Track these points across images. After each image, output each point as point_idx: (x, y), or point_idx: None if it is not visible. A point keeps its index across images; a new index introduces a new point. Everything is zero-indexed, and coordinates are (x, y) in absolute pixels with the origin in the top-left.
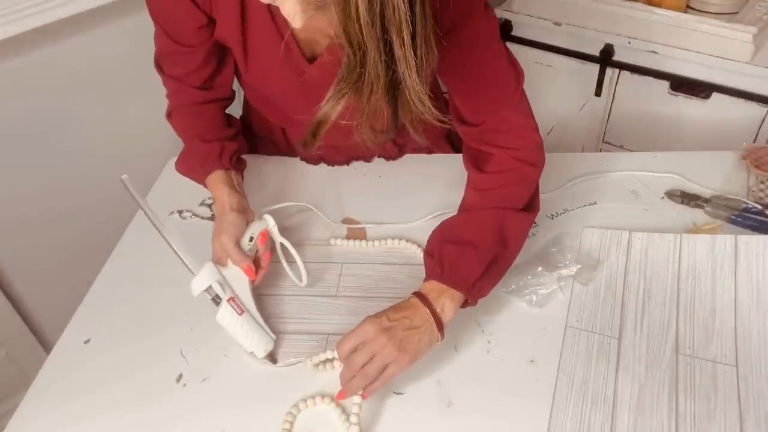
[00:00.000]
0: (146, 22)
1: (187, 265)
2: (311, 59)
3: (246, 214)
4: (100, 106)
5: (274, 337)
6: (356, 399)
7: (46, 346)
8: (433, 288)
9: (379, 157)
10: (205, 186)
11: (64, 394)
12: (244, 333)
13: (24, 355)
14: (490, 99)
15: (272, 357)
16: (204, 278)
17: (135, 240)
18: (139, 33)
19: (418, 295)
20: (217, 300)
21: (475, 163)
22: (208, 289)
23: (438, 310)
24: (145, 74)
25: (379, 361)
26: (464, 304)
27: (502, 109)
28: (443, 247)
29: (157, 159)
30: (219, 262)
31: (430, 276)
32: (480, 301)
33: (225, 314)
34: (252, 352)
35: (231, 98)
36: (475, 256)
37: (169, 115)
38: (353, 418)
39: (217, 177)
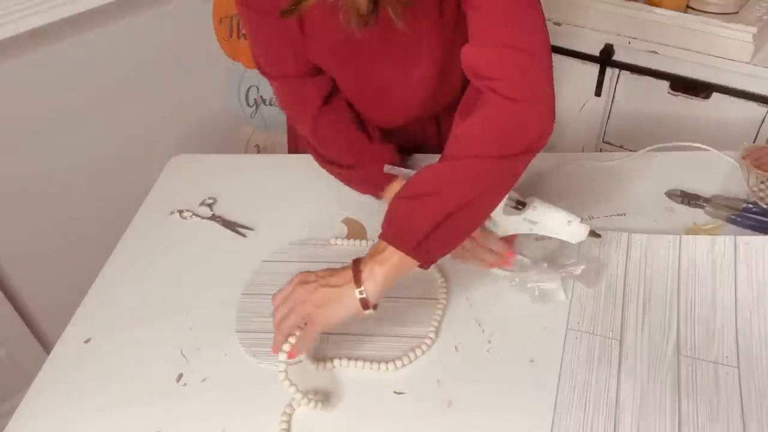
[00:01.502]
0: (147, 22)
1: None
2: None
3: None
4: (101, 106)
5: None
6: (281, 356)
7: (46, 346)
8: (372, 250)
9: (418, 151)
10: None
11: (64, 394)
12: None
13: (24, 355)
14: (495, 6)
15: (594, 233)
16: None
17: (135, 240)
18: (139, 33)
19: (354, 261)
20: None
21: (464, 105)
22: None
23: (364, 273)
24: (145, 74)
25: (296, 314)
26: (421, 266)
27: (505, 21)
28: (395, 200)
29: (157, 159)
30: None
31: (381, 234)
32: (480, 300)
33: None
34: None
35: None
36: (426, 208)
37: (315, 130)
38: (281, 376)
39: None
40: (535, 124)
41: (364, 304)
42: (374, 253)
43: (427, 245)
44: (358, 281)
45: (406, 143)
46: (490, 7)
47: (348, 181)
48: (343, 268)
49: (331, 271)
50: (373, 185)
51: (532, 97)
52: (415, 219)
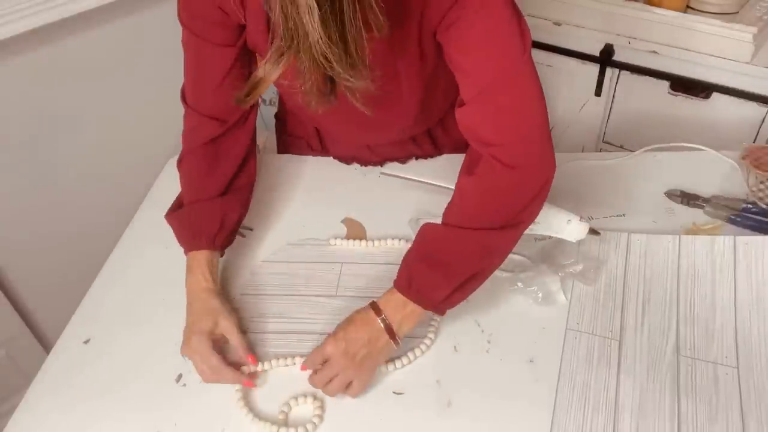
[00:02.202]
0: (147, 22)
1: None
2: None
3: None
4: (101, 106)
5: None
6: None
7: (46, 346)
8: (393, 302)
9: (417, 158)
10: (185, 253)
11: (64, 394)
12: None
13: (24, 355)
14: (486, 73)
15: (593, 231)
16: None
17: (135, 240)
18: (139, 33)
19: (374, 307)
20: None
21: (466, 163)
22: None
23: (395, 327)
24: (145, 74)
25: (341, 380)
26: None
27: (498, 89)
28: (414, 263)
29: (157, 159)
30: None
31: (397, 284)
32: (479, 300)
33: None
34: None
35: (245, 128)
36: (444, 278)
37: (180, 161)
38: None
39: (196, 256)
40: (533, 189)
41: (396, 344)
42: (399, 306)
43: (444, 304)
44: (393, 337)
45: (401, 155)
46: (481, 72)
47: (176, 231)
48: (369, 323)
49: (361, 332)
50: (196, 232)
51: (530, 163)
52: (433, 287)
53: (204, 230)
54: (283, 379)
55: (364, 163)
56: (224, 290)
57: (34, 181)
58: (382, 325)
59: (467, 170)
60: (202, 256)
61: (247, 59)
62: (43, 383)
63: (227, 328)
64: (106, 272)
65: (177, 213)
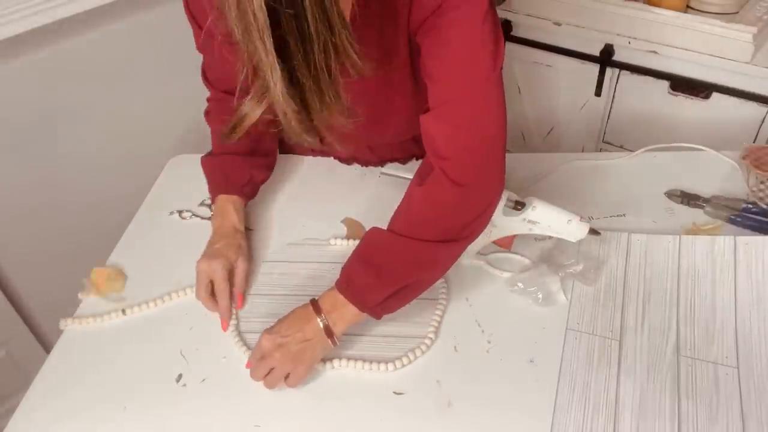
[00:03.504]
0: (148, 22)
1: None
2: None
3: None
4: (101, 106)
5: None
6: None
7: (46, 346)
8: (331, 300)
9: (417, 159)
10: (213, 196)
11: (64, 394)
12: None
13: (24, 355)
14: (451, 82)
15: (593, 231)
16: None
17: (135, 240)
18: (139, 33)
19: (314, 305)
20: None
21: (419, 172)
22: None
23: (330, 324)
24: (145, 74)
25: (278, 373)
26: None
27: (460, 99)
28: (353, 264)
29: (157, 159)
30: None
31: (337, 284)
32: (479, 300)
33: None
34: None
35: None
36: (379, 282)
37: (208, 113)
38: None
39: (229, 199)
40: (478, 208)
41: (334, 343)
42: (337, 305)
43: (381, 308)
44: (330, 336)
45: (401, 155)
46: (447, 83)
47: (204, 173)
48: (306, 319)
49: (296, 326)
50: (229, 178)
51: (477, 182)
52: (372, 287)
53: (236, 179)
54: None
55: (364, 163)
56: None
57: (34, 180)
58: (320, 323)
59: (418, 179)
60: (234, 200)
61: None
62: (43, 383)
63: (242, 267)
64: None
65: (211, 159)
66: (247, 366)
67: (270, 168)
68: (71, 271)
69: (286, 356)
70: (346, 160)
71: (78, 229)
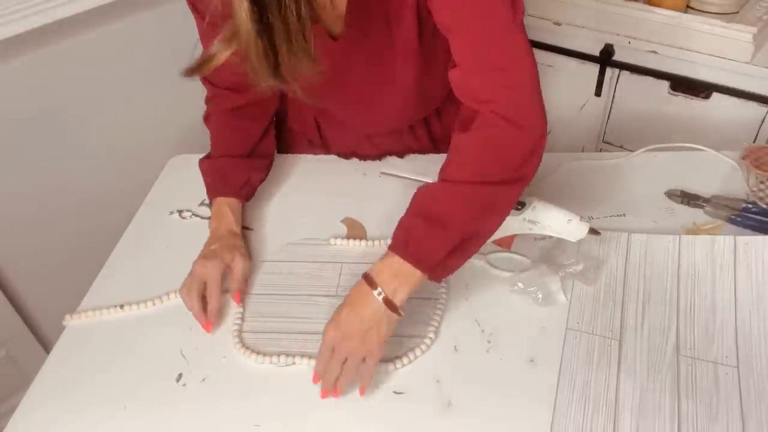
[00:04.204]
0: (148, 22)
1: None
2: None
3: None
4: (101, 106)
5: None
6: (357, 394)
7: (46, 346)
8: (386, 267)
9: (414, 153)
10: (210, 199)
11: (64, 394)
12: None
13: (24, 355)
14: (475, 31)
15: (593, 231)
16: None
17: (135, 240)
18: (139, 33)
19: (367, 278)
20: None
21: (460, 122)
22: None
23: (389, 296)
24: (145, 74)
25: (352, 363)
26: (430, 279)
27: (488, 45)
28: (411, 220)
29: (157, 159)
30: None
31: (393, 247)
32: (479, 300)
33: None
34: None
35: (271, 100)
36: (442, 236)
37: (206, 118)
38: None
39: (226, 201)
40: (531, 142)
41: (398, 314)
42: (394, 271)
43: (442, 267)
44: (391, 306)
45: (399, 148)
46: (470, 32)
47: (203, 175)
48: (364, 299)
49: (354, 309)
50: (228, 180)
51: (525, 117)
52: (431, 245)
53: (234, 181)
54: (284, 379)
55: (363, 157)
56: (223, 288)
57: (34, 181)
58: (379, 299)
59: (462, 128)
60: (231, 202)
61: None
62: (43, 383)
63: (240, 266)
64: (106, 272)
65: (210, 162)
66: (315, 379)
67: (268, 169)
68: (71, 271)
69: (354, 342)
70: (346, 155)
71: (78, 229)
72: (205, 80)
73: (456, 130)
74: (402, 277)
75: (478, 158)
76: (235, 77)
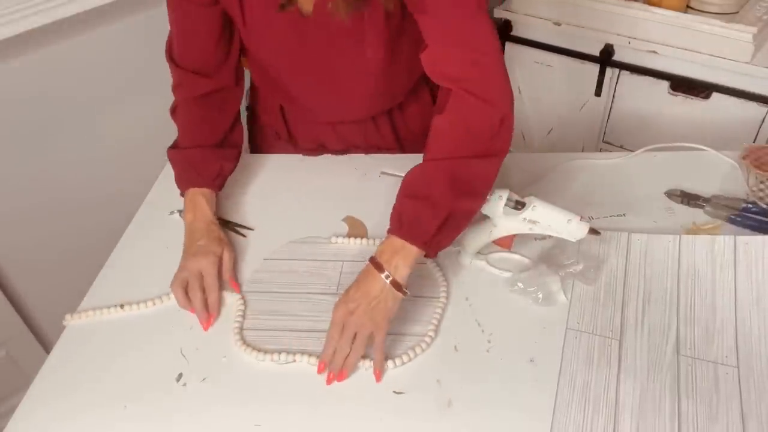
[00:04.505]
0: (147, 22)
1: None
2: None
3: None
4: (101, 106)
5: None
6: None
7: (46, 346)
8: (387, 247)
9: (379, 151)
10: (182, 189)
11: (64, 394)
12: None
13: (24, 355)
14: (445, 11)
15: (593, 231)
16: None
17: (135, 239)
18: (139, 33)
19: (372, 261)
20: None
21: (438, 105)
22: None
23: (393, 273)
24: (145, 74)
25: (361, 335)
26: (426, 255)
27: (458, 25)
28: (403, 201)
29: (157, 159)
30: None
31: (390, 230)
32: (479, 300)
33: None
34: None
35: (236, 89)
36: (431, 213)
37: (173, 110)
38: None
39: (200, 192)
40: (497, 117)
41: (402, 293)
42: (394, 250)
43: (434, 242)
44: (396, 286)
45: (364, 143)
46: (440, 14)
47: (173, 166)
48: (369, 277)
49: (363, 288)
50: (201, 172)
51: (493, 92)
52: (421, 222)
53: (206, 172)
54: (284, 379)
55: (330, 150)
56: (225, 289)
57: (33, 180)
58: (383, 276)
59: (439, 110)
60: (205, 193)
61: (228, 19)
62: (42, 383)
63: (228, 257)
64: (106, 272)
65: (179, 152)
66: (321, 368)
67: (237, 159)
68: (71, 271)
69: (362, 317)
70: (313, 149)
71: (78, 229)
72: (173, 63)
73: (434, 113)
74: (401, 255)
75: (452, 135)
76: (202, 57)
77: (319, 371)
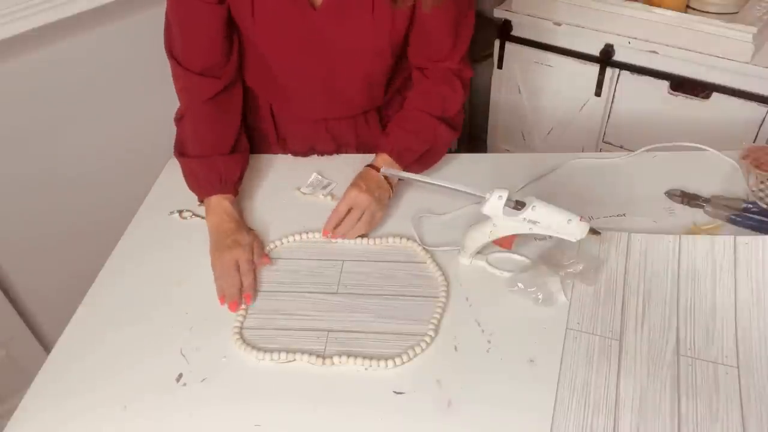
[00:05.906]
0: (147, 22)
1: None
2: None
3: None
4: (101, 106)
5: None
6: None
7: (46, 346)
8: (382, 161)
9: (368, 148)
10: (202, 197)
11: (64, 394)
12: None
13: (24, 355)
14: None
15: (593, 231)
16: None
17: (135, 240)
18: (139, 33)
19: (372, 167)
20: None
21: (419, 69)
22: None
23: (383, 170)
24: (145, 74)
25: (369, 213)
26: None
27: (447, 36)
28: (396, 131)
29: (157, 159)
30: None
31: (383, 149)
32: (479, 300)
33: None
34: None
35: (239, 86)
36: (415, 143)
37: (180, 119)
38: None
39: (226, 198)
40: (464, 96)
41: (391, 192)
42: (387, 163)
43: (413, 168)
44: (388, 181)
45: (355, 140)
46: (439, 29)
47: (191, 174)
48: (373, 175)
49: (370, 181)
50: (224, 179)
51: (465, 74)
52: (408, 149)
53: (229, 178)
54: (284, 379)
55: (320, 151)
56: None
57: (34, 181)
58: (382, 177)
59: (420, 72)
60: (229, 198)
61: (230, 16)
62: (42, 383)
63: (258, 243)
64: (106, 272)
65: (197, 161)
66: (325, 234)
67: (247, 162)
68: (71, 271)
69: (370, 199)
70: (303, 150)
71: (78, 229)
72: (178, 65)
73: (415, 72)
74: (390, 164)
75: (427, 99)
76: (210, 56)
77: (324, 235)
